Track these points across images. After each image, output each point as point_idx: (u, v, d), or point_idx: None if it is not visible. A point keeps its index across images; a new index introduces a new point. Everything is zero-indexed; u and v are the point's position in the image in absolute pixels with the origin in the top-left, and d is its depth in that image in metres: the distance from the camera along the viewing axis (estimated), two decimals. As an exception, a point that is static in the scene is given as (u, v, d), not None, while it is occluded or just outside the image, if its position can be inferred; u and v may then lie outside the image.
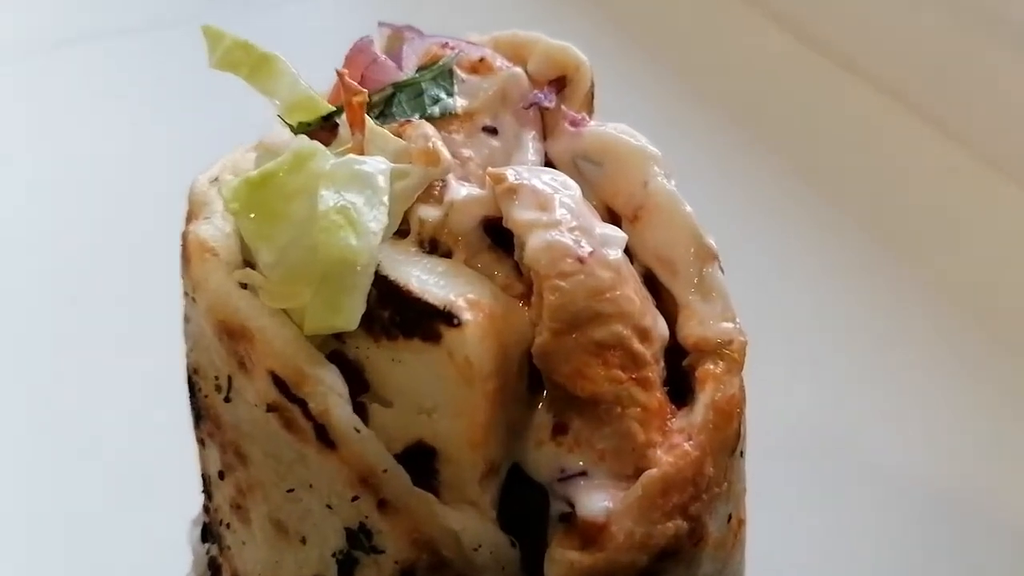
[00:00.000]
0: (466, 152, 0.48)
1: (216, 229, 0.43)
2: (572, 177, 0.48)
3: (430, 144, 0.42)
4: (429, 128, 0.44)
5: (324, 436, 0.40)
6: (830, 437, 0.66)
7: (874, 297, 0.73)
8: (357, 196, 0.40)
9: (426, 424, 0.41)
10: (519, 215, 0.41)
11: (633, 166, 0.47)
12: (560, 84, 0.51)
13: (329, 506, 0.41)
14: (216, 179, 0.46)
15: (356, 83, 0.43)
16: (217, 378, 0.43)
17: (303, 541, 0.42)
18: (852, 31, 0.78)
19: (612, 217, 0.48)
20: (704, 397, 0.42)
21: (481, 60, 0.49)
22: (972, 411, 0.67)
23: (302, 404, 0.40)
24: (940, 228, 0.74)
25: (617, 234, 0.42)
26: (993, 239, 0.74)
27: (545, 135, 0.50)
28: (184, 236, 0.44)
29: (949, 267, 0.72)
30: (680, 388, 0.44)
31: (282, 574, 0.43)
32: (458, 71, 0.49)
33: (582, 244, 0.40)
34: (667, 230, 0.45)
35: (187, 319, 0.45)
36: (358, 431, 0.40)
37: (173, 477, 0.52)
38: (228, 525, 0.45)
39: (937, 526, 0.62)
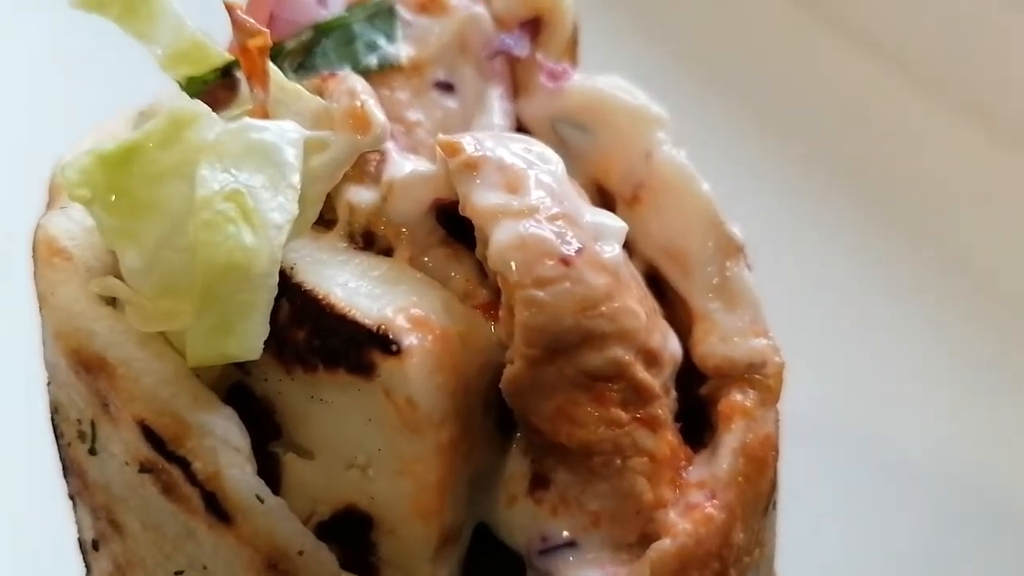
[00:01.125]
0: (412, 115, 0.37)
1: (73, 223, 0.32)
2: (551, 147, 0.37)
3: (358, 103, 0.31)
4: (358, 82, 0.33)
5: (216, 507, 0.29)
6: (838, 422, 0.60)
7: (891, 285, 0.66)
8: (254, 176, 0.29)
9: (358, 483, 0.30)
10: (481, 199, 0.30)
11: (632, 132, 0.36)
12: (534, 28, 0.39)
13: (230, 595, 0.30)
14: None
15: (256, 23, 0.32)
16: (80, 422, 0.32)
17: (198, 638, 0.31)
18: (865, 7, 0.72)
19: (604, 199, 0.37)
20: (731, 439, 0.32)
21: (433, -4, 0.38)
22: (982, 395, 0.61)
23: (183, 464, 0.29)
24: (957, 210, 0.69)
25: (614, 223, 0.31)
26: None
27: (516, 93, 0.39)
28: (36, 231, 0.33)
29: (966, 249, 0.67)
30: (693, 422, 0.34)
31: None
32: (402, 10, 0.38)
33: (567, 239, 0.29)
34: (677, 216, 0.35)
35: (44, 342, 0.34)
36: (262, 500, 0.29)
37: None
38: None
39: (952, 512, 0.56)
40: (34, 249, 0.32)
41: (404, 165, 0.33)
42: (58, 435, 0.34)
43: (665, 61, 0.72)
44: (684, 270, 0.35)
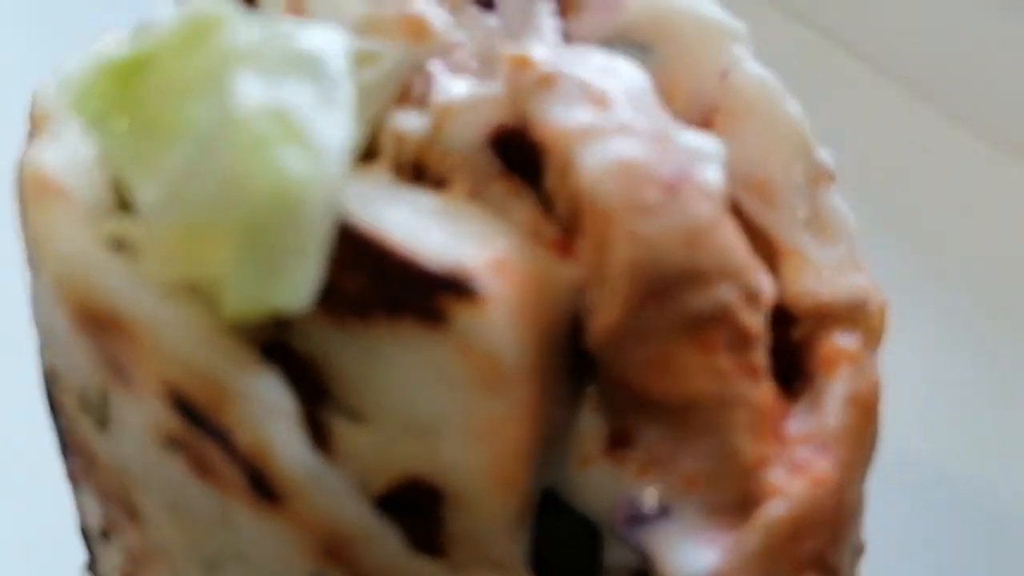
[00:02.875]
0: (458, 36, 0.33)
1: (69, 154, 0.27)
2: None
3: (414, 6, 0.27)
4: (405, -18, 0.28)
5: (262, 485, 0.24)
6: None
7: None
8: (300, 90, 0.24)
9: (423, 451, 0.26)
10: (563, 118, 0.26)
11: (703, 49, 0.32)
12: (582, -65, 0.35)
13: (275, 587, 0.26)
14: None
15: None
16: (85, 392, 0.27)
17: (236, 637, 0.27)
18: (859, 18, 0.69)
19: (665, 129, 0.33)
20: (839, 388, 0.28)
21: (468, -102, 0.34)
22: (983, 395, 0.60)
23: (221, 437, 0.24)
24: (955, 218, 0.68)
25: (712, 144, 0.27)
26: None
27: (564, 11, 0.35)
28: (20, 167, 0.28)
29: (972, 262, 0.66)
30: (784, 371, 0.30)
31: None
32: (434, -87, 0.33)
33: (671, 161, 0.25)
34: (760, 141, 0.31)
35: (35, 300, 0.29)
36: (317, 474, 0.25)
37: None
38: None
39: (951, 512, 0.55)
40: (20, 189, 0.27)
41: (457, 86, 0.29)
42: (55, 409, 0.29)
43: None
44: (768, 201, 0.31)
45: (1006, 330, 0.60)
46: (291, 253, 0.24)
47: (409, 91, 0.29)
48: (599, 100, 0.26)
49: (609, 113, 0.26)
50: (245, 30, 0.24)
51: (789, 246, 0.31)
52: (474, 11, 0.33)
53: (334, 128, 0.24)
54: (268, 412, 0.24)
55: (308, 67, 0.24)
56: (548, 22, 0.34)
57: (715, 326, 0.26)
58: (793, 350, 0.30)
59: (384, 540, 0.25)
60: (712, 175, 0.26)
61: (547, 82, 0.27)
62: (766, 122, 0.31)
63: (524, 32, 0.34)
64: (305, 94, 0.24)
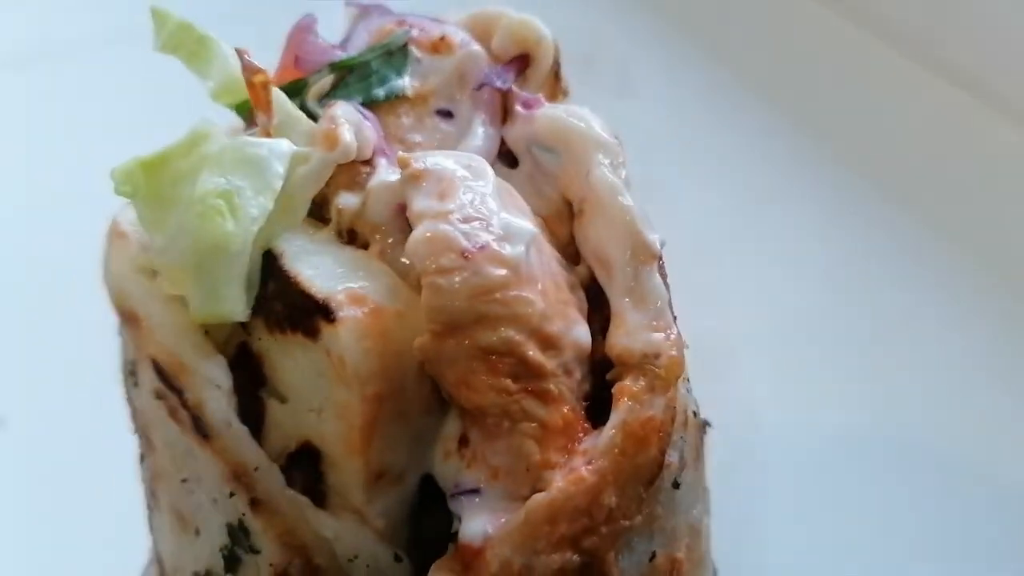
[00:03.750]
0: (416, 137, 0.45)
1: (134, 213, 0.43)
2: (528, 166, 0.44)
3: (332, 126, 0.40)
4: (341, 109, 0.41)
5: (200, 428, 0.38)
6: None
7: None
8: (244, 180, 0.38)
9: (314, 424, 0.39)
10: (415, 203, 0.38)
11: (579, 154, 0.42)
12: (524, 62, 0.46)
13: (215, 500, 0.39)
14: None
15: (257, 64, 0.41)
16: (127, 363, 0.42)
17: (197, 533, 0.41)
18: None
19: (571, 212, 0.43)
20: (615, 417, 0.37)
21: (442, 38, 0.46)
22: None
23: (179, 393, 0.38)
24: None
25: (523, 227, 0.38)
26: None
27: (504, 119, 0.46)
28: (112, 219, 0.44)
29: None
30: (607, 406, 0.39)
31: (182, 565, 0.42)
32: (416, 51, 0.46)
33: (475, 237, 0.36)
34: (604, 226, 0.40)
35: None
36: (230, 425, 0.38)
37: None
38: (150, 507, 0.45)
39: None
40: (107, 232, 0.43)
41: (383, 176, 0.41)
42: (124, 375, 0.45)
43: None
44: (608, 273, 0.40)
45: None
46: (223, 280, 0.37)
47: (357, 178, 0.42)
48: (445, 192, 0.38)
49: (444, 202, 0.37)
50: (220, 141, 0.39)
51: (615, 309, 0.40)
52: (436, 120, 0.46)
53: (260, 205, 0.38)
54: (208, 382, 0.38)
55: (254, 165, 0.38)
56: (481, 129, 0.45)
57: (501, 357, 0.36)
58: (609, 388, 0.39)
59: (272, 476, 0.38)
60: (511, 248, 0.37)
61: (417, 177, 0.38)
62: (607, 211, 0.40)
63: (467, 135, 0.46)
64: (247, 183, 0.38)
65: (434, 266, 0.36)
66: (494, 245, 0.37)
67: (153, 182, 0.39)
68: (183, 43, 0.44)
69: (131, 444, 0.46)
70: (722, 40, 0.82)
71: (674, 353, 0.38)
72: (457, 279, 0.36)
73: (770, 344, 0.65)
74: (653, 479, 0.38)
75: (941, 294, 0.67)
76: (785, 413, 0.61)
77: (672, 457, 0.39)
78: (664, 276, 0.40)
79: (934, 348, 0.64)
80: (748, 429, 0.60)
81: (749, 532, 0.55)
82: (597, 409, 0.39)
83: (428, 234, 0.36)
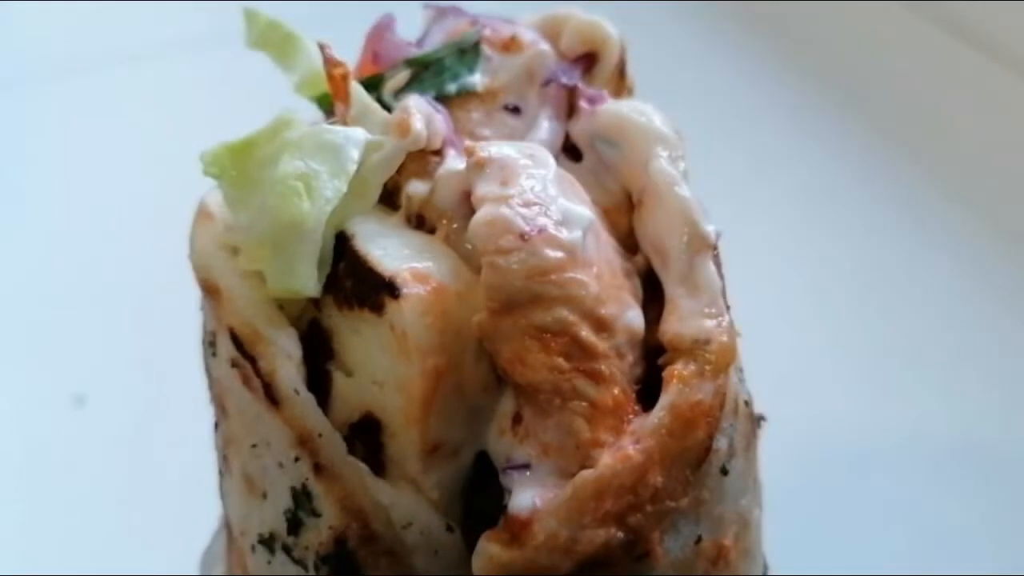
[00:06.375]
0: (484, 131, 0.47)
1: (220, 194, 0.46)
2: (592, 159, 0.46)
3: (404, 115, 0.42)
4: (413, 101, 0.43)
5: (271, 394, 0.41)
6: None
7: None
8: (321, 164, 0.41)
9: (377, 396, 0.41)
10: (479, 189, 0.40)
11: (638, 146, 0.43)
12: (590, 60, 0.48)
13: (281, 464, 0.42)
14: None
15: (340, 58, 0.44)
16: (207, 334, 0.45)
17: (264, 496, 0.43)
18: None
19: (631, 204, 0.45)
20: (664, 399, 0.38)
21: (512, 38, 0.48)
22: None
23: (253, 362, 0.41)
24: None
25: (582, 213, 0.39)
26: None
27: (570, 114, 0.48)
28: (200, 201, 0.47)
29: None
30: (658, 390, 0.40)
31: (249, 528, 0.44)
32: (488, 49, 0.48)
33: (534, 220, 0.38)
34: (661, 216, 0.42)
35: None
36: (298, 393, 0.40)
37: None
38: (222, 472, 0.47)
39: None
40: (195, 213, 0.46)
41: (451, 165, 0.43)
42: (204, 346, 0.48)
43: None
44: (664, 262, 0.41)
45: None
46: (298, 257, 0.40)
47: (427, 167, 0.45)
48: (507, 179, 0.40)
49: (506, 188, 0.39)
50: (301, 128, 0.41)
51: (669, 296, 0.41)
52: (505, 115, 0.48)
53: (335, 188, 0.40)
54: (280, 352, 0.41)
55: (330, 151, 0.41)
56: (546, 124, 0.47)
57: (554, 336, 0.38)
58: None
59: (335, 443, 0.40)
60: (568, 233, 0.38)
61: (481, 165, 0.40)
62: (665, 203, 0.42)
63: (533, 130, 0.48)
64: (323, 167, 0.40)
65: (493, 246, 0.38)
66: (552, 229, 0.38)
67: (238, 165, 0.42)
68: (271, 40, 0.47)
69: (203, 423, 0.49)
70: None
71: (725, 340, 0.39)
72: (515, 259, 0.37)
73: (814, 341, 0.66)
74: (700, 462, 0.39)
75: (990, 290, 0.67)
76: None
77: (720, 443, 0.39)
78: (719, 266, 0.41)
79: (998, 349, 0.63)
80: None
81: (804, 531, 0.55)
82: (649, 393, 0.40)
83: (489, 216, 0.38)
